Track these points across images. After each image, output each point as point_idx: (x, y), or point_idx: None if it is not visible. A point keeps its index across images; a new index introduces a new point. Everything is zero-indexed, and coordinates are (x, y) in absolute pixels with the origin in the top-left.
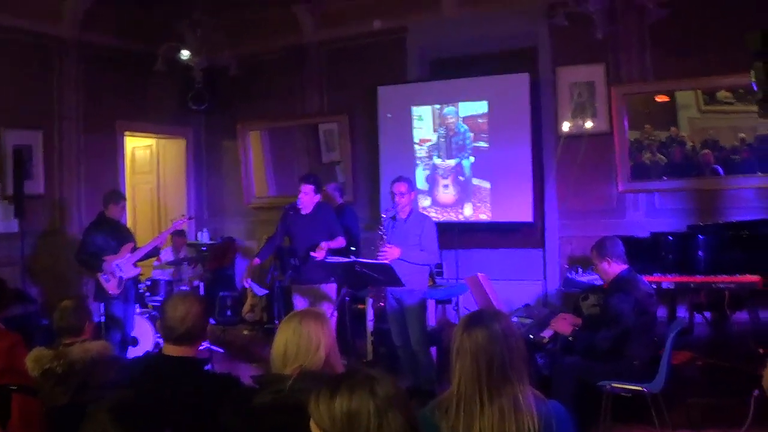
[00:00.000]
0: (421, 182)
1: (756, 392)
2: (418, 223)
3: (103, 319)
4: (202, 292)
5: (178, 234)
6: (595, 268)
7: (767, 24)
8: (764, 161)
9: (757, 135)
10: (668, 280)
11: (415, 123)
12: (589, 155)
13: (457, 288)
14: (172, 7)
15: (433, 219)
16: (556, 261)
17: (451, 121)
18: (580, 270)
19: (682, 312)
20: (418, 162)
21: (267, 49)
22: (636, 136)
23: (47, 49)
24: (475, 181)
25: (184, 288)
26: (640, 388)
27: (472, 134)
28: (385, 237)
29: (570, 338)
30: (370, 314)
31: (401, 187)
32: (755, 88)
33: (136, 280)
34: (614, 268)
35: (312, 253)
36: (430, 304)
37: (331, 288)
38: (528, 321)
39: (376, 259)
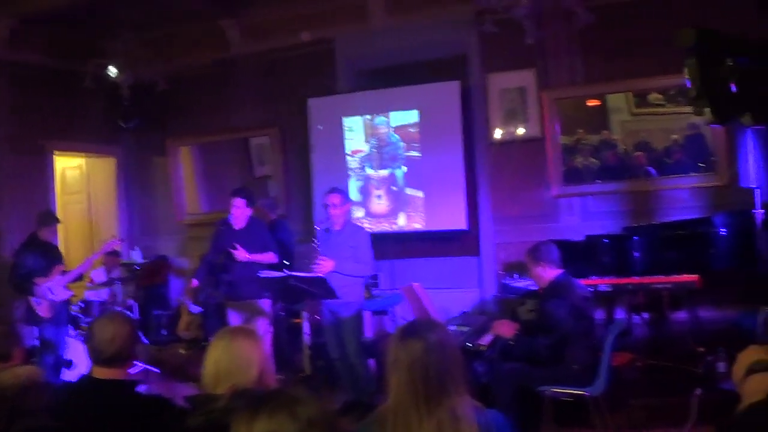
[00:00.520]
0: (354, 193)
1: (698, 391)
2: (352, 234)
3: (36, 342)
4: (136, 311)
5: (111, 254)
6: (529, 274)
7: (696, 25)
8: (696, 161)
9: (686, 135)
10: (605, 283)
11: (347, 134)
12: (521, 161)
13: (393, 299)
14: (100, 24)
15: (368, 230)
16: (491, 268)
17: (383, 131)
18: (516, 276)
19: (620, 314)
20: (350, 173)
21: (195, 63)
22: (568, 141)
23: None
24: (408, 191)
25: (117, 308)
26: (580, 392)
27: (403, 144)
28: (319, 249)
29: (511, 342)
30: (306, 328)
31: (334, 198)
32: (689, 85)
33: (67, 303)
34: (549, 273)
35: (234, 252)
36: (367, 315)
37: (266, 303)
38: (466, 328)
39: (309, 272)
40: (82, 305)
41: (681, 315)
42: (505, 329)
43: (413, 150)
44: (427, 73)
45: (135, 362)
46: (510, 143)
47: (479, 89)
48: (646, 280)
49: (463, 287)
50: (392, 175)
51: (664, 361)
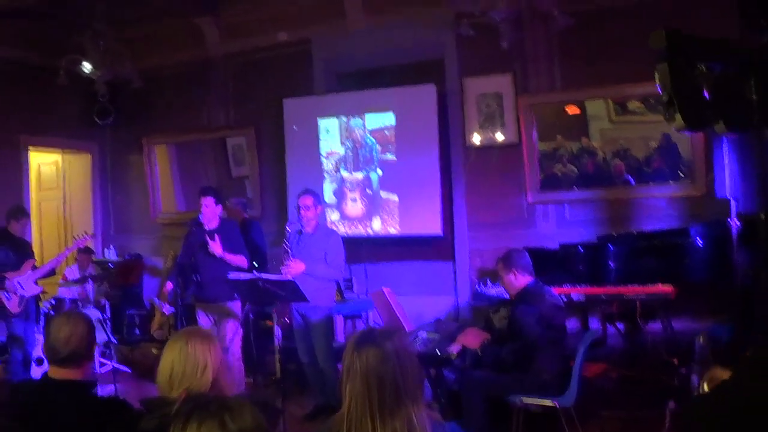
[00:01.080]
0: (328, 196)
1: (671, 404)
2: (324, 237)
3: (2, 338)
4: (108, 310)
5: (84, 251)
6: (500, 281)
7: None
8: (675, 169)
9: (661, 146)
10: (578, 291)
11: (322, 135)
12: (498, 167)
13: (366, 303)
14: (75, 19)
15: (342, 233)
16: (466, 274)
17: (358, 133)
18: (489, 283)
19: (594, 323)
20: (325, 175)
21: (171, 61)
22: (547, 147)
23: None
24: (383, 194)
25: (89, 306)
26: (550, 403)
27: (379, 147)
28: (289, 251)
29: (479, 352)
30: (277, 331)
31: (307, 200)
32: (659, 91)
33: (37, 298)
34: (520, 280)
35: (210, 242)
36: (339, 319)
37: (236, 305)
38: (436, 336)
39: (279, 275)
40: (54, 302)
41: (656, 326)
42: (471, 340)
43: (389, 153)
44: (403, 76)
45: (92, 362)
46: (486, 149)
47: (456, 93)
48: (620, 289)
49: (437, 293)
50: (367, 178)
51: (637, 372)
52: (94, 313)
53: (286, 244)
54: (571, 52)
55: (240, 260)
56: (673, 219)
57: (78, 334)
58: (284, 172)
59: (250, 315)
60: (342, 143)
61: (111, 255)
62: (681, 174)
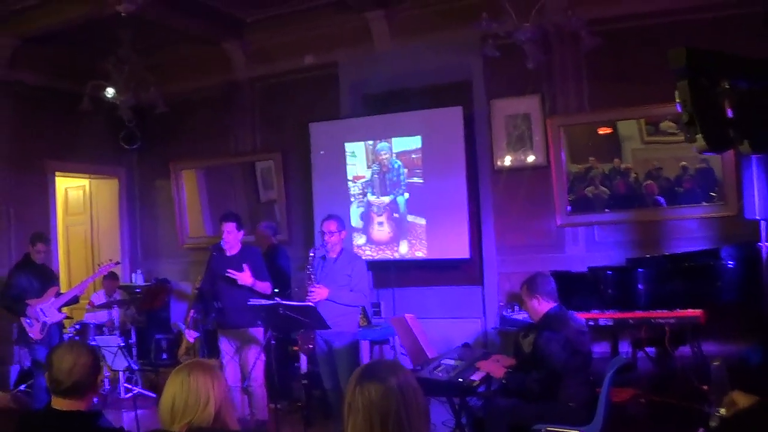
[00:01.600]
0: (355, 220)
1: (701, 431)
2: (348, 262)
3: (27, 364)
4: (133, 335)
5: (110, 277)
6: (523, 306)
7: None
8: (707, 190)
9: (698, 168)
10: (606, 317)
11: (349, 159)
12: (526, 189)
13: (393, 328)
14: (102, 45)
15: (369, 257)
16: (495, 298)
17: (385, 156)
18: (516, 308)
19: (625, 347)
20: (352, 199)
21: (198, 86)
22: (579, 169)
23: None
24: (410, 218)
25: (115, 333)
26: None
27: (406, 170)
28: (313, 276)
29: (503, 381)
30: (302, 356)
31: (331, 225)
32: (679, 110)
33: (60, 325)
34: (543, 306)
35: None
36: (365, 344)
37: (258, 331)
38: (460, 363)
39: (302, 301)
40: (78, 327)
41: (685, 350)
42: (494, 369)
43: (416, 176)
44: (430, 98)
45: (96, 393)
46: (515, 171)
47: (483, 115)
48: (648, 314)
49: (465, 317)
50: (394, 202)
51: (667, 398)
52: (114, 340)
53: (309, 270)
54: (600, 72)
55: (266, 287)
56: (704, 241)
57: (81, 365)
58: (311, 196)
59: (272, 341)
60: (369, 167)
61: (138, 280)
62: (712, 194)
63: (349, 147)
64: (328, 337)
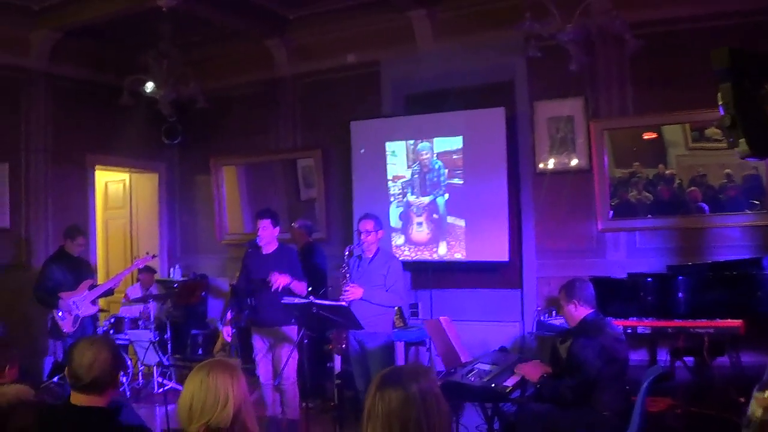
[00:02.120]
0: (394, 220)
1: None
2: (384, 262)
3: (60, 356)
4: (168, 330)
5: (147, 271)
6: (560, 311)
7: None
8: (751, 198)
9: (744, 175)
10: (644, 325)
11: (389, 159)
12: (568, 193)
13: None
14: (142, 39)
15: (407, 258)
16: (533, 302)
17: (426, 157)
18: (554, 313)
19: (663, 355)
20: (391, 199)
21: (240, 82)
22: (623, 174)
23: (15, 81)
24: (450, 219)
25: (150, 327)
26: None
27: (446, 170)
28: (348, 276)
29: (537, 385)
30: (336, 356)
31: (367, 224)
32: (722, 113)
33: (94, 318)
34: (580, 311)
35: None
36: (400, 346)
37: (292, 330)
38: (494, 368)
39: (336, 300)
40: (112, 321)
41: (723, 360)
42: (531, 372)
43: (456, 177)
44: (472, 99)
45: (116, 389)
46: (556, 174)
47: (525, 117)
48: (687, 323)
49: (503, 321)
50: (434, 203)
51: (704, 409)
52: (146, 335)
53: (344, 268)
54: (644, 75)
55: (302, 288)
56: (746, 249)
57: (101, 361)
58: (350, 195)
59: (305, 340)
60: (409, 167)
61: (176, 275)
62: (755, 202)
63: (390, 146)
64: (361, 337)
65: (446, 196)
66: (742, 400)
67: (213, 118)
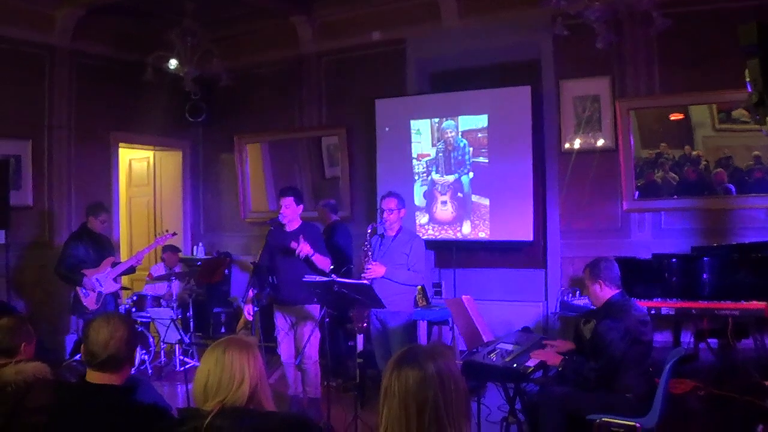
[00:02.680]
0: (419, 198)
1: (760, 427)
2: (407, 241)
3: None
4: (191, 308)
5: (171, 249)
6: (585, 291)
7: None
8: None
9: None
10: (668, 306)
11: (414, 137)
12: (593, 172)
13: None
14: (167, 16)
15: (431, 236)
16: (557, 282)
17: (450, 135)
18: (578, 293)
19: (687, 337)
20: (416, 177)
21: (264, 60)
22: (649, 154)
23: (38, 58)
24: (474, 198)
25: (172, 305)
26: (632, 424)
27: (471, 149)
28: (370, 254)
29: (559, 368)
30: (359, 335)
31: (390, 203)
32: (749, 90)
33: (115, 296)
34: (606, 292)
35: (295, 245)
36: (423, 325)
37: (314, 308)
38: (517, 348)
39: (358, 278)
40: (135, 298)
41: (748, 343)
42: (550, 357)
43: (481, 156)
44: (498, 77)
45: (132, 366)
46: (582, 153)
47: (551, 96)
48: (712, 305)
49: (527, 300)
50: (458, 181)
51: (727, 392)
52: (167, 312)
53: (366, 247)
54: (671, 55)
55: (326, 263)
56: None
57: (117, 338)
58: (374, 173)
59: (326, 319)
60: (434, 145)
61: (199, 253)
62: None
63: (415, 124)
64: (383, 316)
65: (471, 174)
66: (766, 383)
67: (237, 96)
